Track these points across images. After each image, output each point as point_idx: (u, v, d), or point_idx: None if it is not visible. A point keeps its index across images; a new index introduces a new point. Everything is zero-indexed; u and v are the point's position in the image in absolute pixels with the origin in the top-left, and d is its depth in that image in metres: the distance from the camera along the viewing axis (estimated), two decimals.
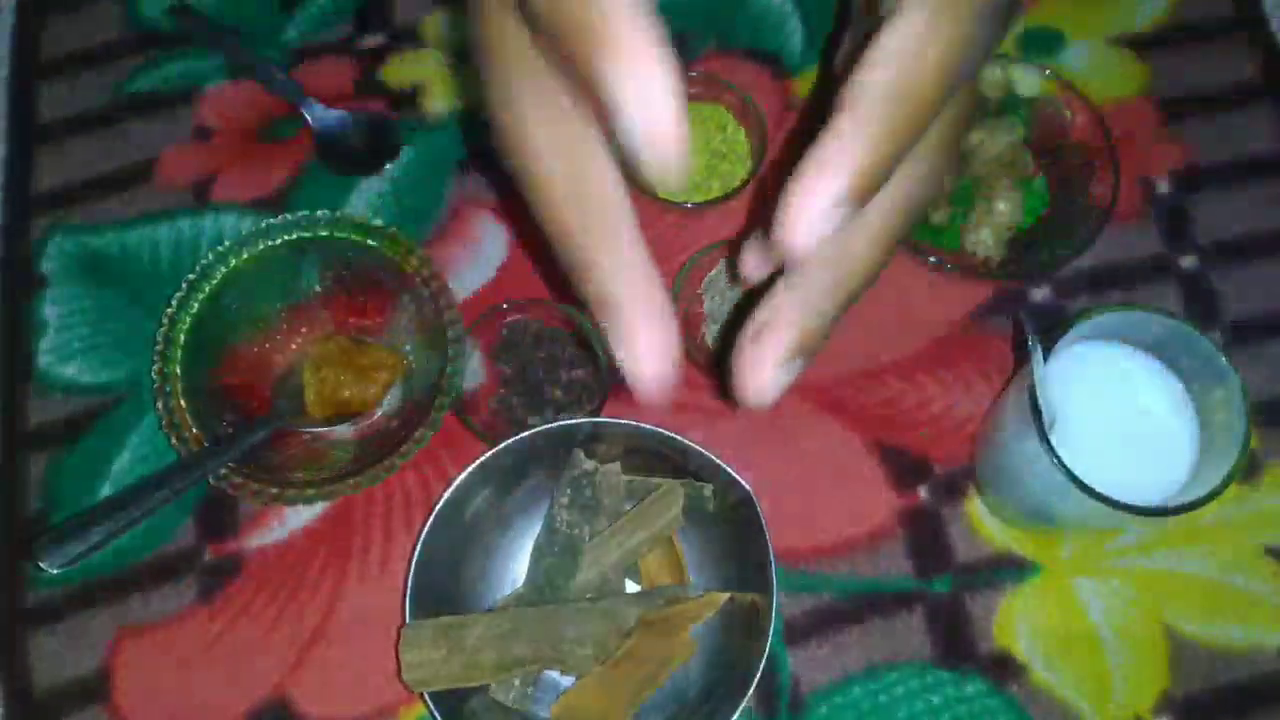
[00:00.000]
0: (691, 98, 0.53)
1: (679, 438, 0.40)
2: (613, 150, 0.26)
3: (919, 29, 0.24)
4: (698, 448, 0.40)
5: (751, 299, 0.30)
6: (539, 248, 0.47)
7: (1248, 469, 0.47)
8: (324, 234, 0.47)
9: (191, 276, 0.45)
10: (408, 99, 0.56)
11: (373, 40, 0.57)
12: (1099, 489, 0.36)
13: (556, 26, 0.24)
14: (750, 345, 0.28)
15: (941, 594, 0.46)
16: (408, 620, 0.40)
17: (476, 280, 0.52)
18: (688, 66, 0.55)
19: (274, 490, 0.43)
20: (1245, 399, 0.36)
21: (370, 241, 0.46)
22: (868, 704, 0.44)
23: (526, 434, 0.41)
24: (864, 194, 0.24)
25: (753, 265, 0.31)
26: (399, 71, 0.56)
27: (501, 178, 0.53)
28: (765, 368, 0.27)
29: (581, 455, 0.43)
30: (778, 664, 0.45)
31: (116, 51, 0.58)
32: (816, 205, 0.23)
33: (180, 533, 0.48)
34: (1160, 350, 0.40)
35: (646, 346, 0.26)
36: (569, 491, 0.43)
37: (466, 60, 0.56)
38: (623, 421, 0.41)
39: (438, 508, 0.41)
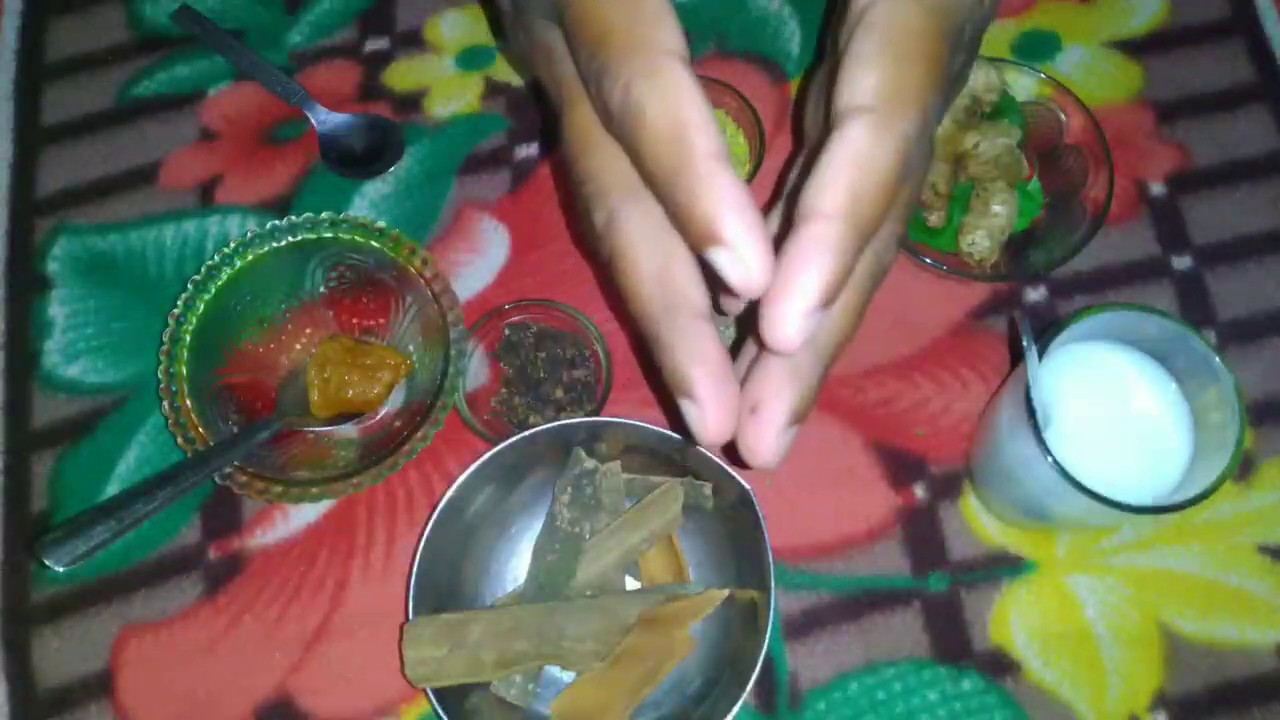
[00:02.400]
0: None
1: (679, 437, 0.41)
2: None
3: (864, 143, 0.26)
4: (697, 446, 0.40)
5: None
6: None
7: (1242, 468, 0.47)
8: (328, 235, 0.47)
9: (197, 277, 0.46)
10: (411, 102, 0.56)
11: (376, 44, 0.58)
12: (1094, 488, 0.36)
13: (651, 169, 0.27)
14: (751, 419, 0.30)
15: (938, 591, 0.46)
16: (410, 617, 0.40)
17: (478, 281, 0.52)
18: None
19: (278, 489, 0.43)
20: (1239, 398, 0.37)
21: (374, 243, 0.47)
22: (865, 700, 0.44)
23: (528, 433, 0.42)
24: (835, 294, 0.26)
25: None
26: (402, 75, 0.57)
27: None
28: (769, 437, 0.29)
29: (582, 454, 0.44)
30: (776, 660, 0.45)
31: (121, 54, 0.58)
32: (795, 317, 0.26)
33: (184, 531, 0.48)
34: (1155, 350, 0.40)
35: (713, 423, 0.28)
36: (570, 490, 0.44)
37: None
38: (623, 421, 0.42)
39: (440, 506, 0.41)
